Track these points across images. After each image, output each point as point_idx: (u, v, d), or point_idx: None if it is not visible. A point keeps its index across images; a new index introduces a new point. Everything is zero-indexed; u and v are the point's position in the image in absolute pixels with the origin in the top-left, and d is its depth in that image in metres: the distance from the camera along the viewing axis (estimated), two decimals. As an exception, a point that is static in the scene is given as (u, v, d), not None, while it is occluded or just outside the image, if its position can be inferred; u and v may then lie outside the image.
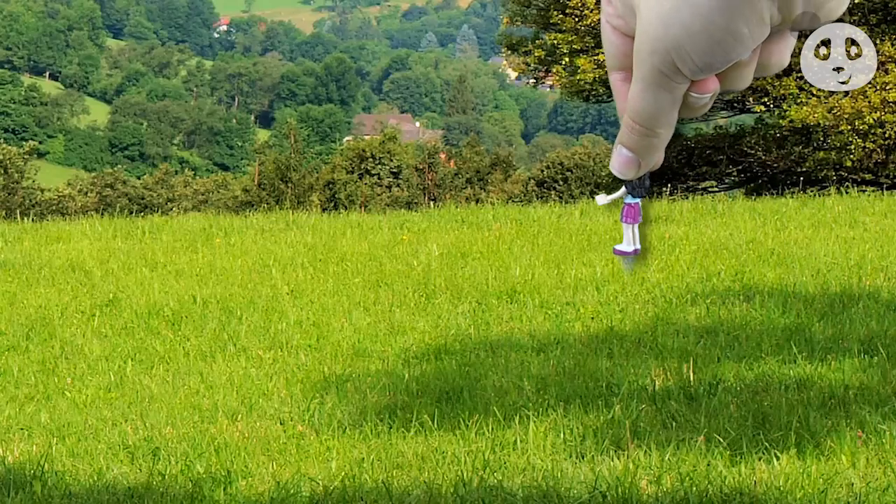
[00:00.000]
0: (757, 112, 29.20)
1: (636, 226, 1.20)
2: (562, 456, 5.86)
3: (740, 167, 30.27)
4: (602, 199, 1.21)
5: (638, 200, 1.19)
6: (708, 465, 5.41)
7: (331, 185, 53.36)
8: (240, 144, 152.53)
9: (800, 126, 26.84)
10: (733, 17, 1.03)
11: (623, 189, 1.19)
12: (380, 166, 55.67)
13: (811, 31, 1.11)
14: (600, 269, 11.41)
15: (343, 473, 5.67)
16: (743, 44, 1.04)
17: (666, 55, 1.05)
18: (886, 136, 26.10)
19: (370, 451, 6.11)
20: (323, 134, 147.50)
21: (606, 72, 1.15)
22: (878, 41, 26.10)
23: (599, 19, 1.11)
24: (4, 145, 56.91)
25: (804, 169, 27.52)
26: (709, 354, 7.96)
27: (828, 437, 5.83)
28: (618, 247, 1.21)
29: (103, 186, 61.01)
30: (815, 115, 25.95)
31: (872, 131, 26.00)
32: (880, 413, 6.27)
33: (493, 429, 6.35)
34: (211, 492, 5.55)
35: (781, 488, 5.07)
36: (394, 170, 56.60)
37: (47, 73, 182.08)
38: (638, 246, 1.21)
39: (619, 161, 1.15)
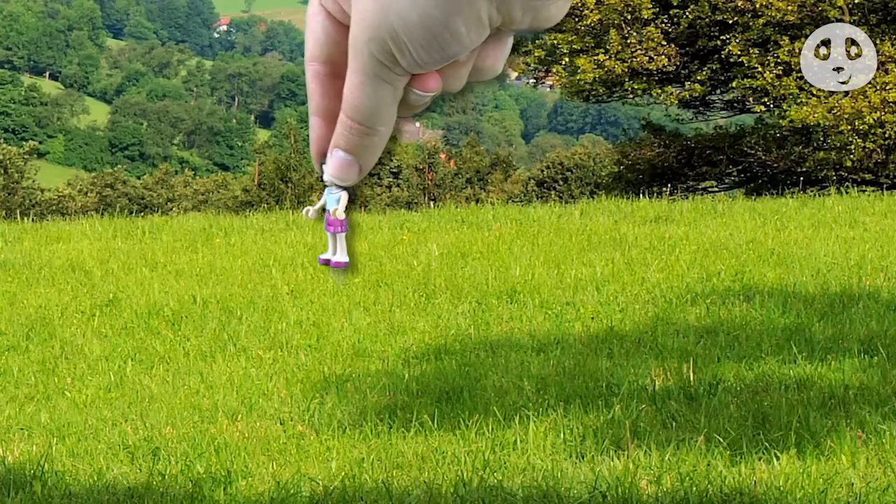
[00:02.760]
0: (757, 112, 29.20)
1: (344, 235, 1.12)
2: (562, 456, 5.86)
3: (740, 167, 30.27)
4: (308, 211, 1.13)
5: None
6: (708, 465, 5.41)
7: (331, 185, 53.25)
8: (240, 144, 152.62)
9: (800, 126, 26.84)
10: (451, 13, 0.98)
11: (325, 197, 1.11)
12: (380, 166, 55.64)
13: (537, 35, 1.08)
14: (600, 269, 11.41)
15: (343, 473, 5.67)
16: (460, 42, 1.00)
17: (384, 44, 1.00)
18: (886, 136, 26.10)
19: (370, 451, 6.11)
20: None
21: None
22: (878, 41, 26.09)
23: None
24: (4, 145, 56.95)
25: (804, 169, 27.52)
26: (709, 354, 7.96)
27: (828, 437, 5.83)
28: (323, 256, 1.13)
29: (103, 186, 61.05)
30: (815, 115, 25.94)
31: (872, 131, 25.99)
32: (880, 413, 6.27)
33: (493, 429, 6.35)
34: (211, 492, 5.55)
35: (781, 488, 5.07)
36: (394, 170, 56.62)
37: (47, 73, 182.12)
38: (345, 258, 1.12)
39: (337, 165, 1.08)
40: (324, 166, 1.11)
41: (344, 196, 1.11)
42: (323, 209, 1.12)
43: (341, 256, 1.13)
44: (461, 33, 0.99)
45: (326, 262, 1.13)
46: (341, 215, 1.11)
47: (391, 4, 0.99)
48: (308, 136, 1.13)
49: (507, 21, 1.01)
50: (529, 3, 1.01)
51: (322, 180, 1.11)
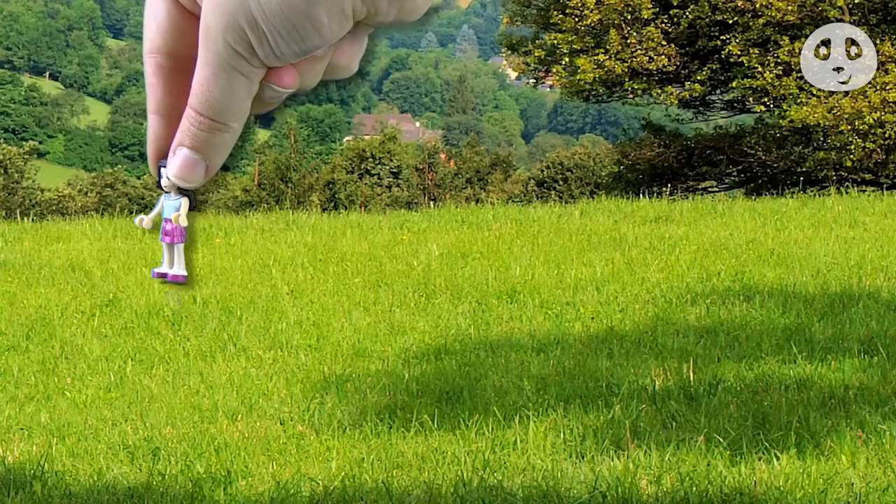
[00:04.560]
0: (757, 112, 29.20)
1: (181, 246, 1.03)
2: (562, 456, 5.86)
3: (740, 167, 30.27)
4: (143, 220, 1.03)
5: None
6: (708, 465, 5.41)
7: (331, 185, 53.37)
8: (239, 144, 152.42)
9: (800, 126, 26.84)
10: (313, 2, 0.94)
11: (161, 203, 1.01)
12: (380, 166, 55.67)
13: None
14: (600, 269, 11.41)
15: (343, 473, 5.67)
16: (321, 34, 0.96)
17: (240, 31, 0.95)
18: (886, 136, 26.09)
19: (370, 451, 6.11)
20: (323, 134, 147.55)
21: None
22: (878, 41, 26.09)
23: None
24: (4, 145, 56.93)
25: (804, 169, 27.51)
26: (709, 354, 7.96)
27: (828, 437, 5.83)
28: (158, 269, 1.04)
29: (103, 186, 61.04)
30: (815, 115, 25.94)
31: (872, 131, 25.99)
32: (880, 413, 6.27)
33: (493, 429, 6.35)
34: (211, 492, 5.55)
35: (781, 488, 5.07)
36: (394, 170, 56.61)
37: (47, 73, 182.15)
38: (184, 272, 1.02)
39: (182, 165, 1.02)
40: (162, 169, 1.02)
41: (185, 202, 1.03)
42: (159, 217, 1.02)
43: (178, 269, 1.04)
44: (323, 23, 0.95)
45: (162, 276, 1.03)
46: (184, 222, 1.04)
47: None
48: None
49: (373, 13, 0.97)
50: None
51: (159, 185, 1.04)
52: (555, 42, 29.26)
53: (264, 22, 0.95)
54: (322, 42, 0.97)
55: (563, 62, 29.32)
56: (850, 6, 26.96)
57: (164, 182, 1.01)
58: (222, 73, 0.97)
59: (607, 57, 28.20)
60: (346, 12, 0.96)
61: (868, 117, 25.66)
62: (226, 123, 1.01)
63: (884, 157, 26.72)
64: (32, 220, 18.30)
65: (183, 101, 1.00)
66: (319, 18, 0.95)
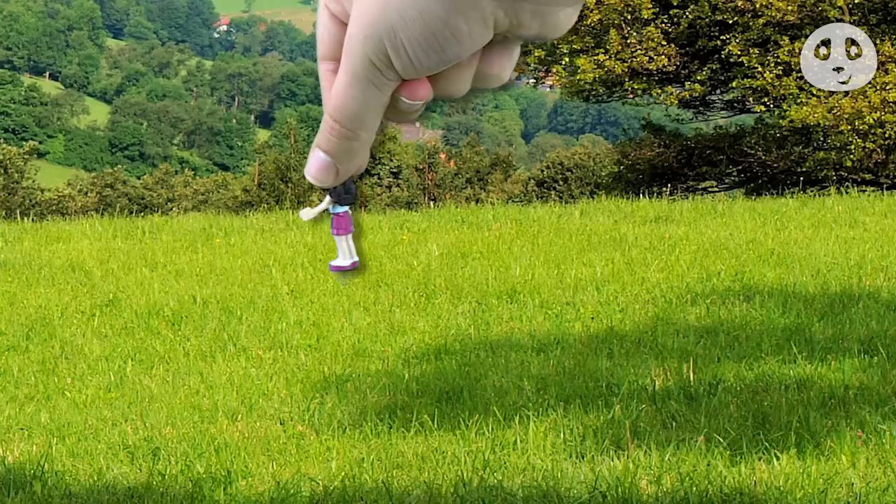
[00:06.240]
0: (757, 112, 29.20)
1: (349, 237, 1.09)
2: (562, 456, 5.86)
3: (740, 167, 30.28)
4: (306, 213, 1.10)
5: (347, 209, 1.08)
6: (708, 465, 5.41)
7: (331, 185, 53.28)
8: (240, 144, 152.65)
9: (800, 126, 26.84)
10: (453, 11, 0.94)
11: (328, 199, 1.07)
12: (380, 166, 55.70)
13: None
14: (600, 269, 11.41)
15: (343, 473, 5.67)
16: (461, 43, 0.96)
17: (379, 43, 0.96)
18: (886, 136, 26.10)
19: (370, 451, 6.11)
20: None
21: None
22: (878, 41, 26.09)
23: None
24: (4, 145, 56.97)
25: (804, 169, 27.52)
26: (709, 354, 7.96)
27: (828, 437, 5.83)
28: (334, 262, 1.10)
29: (103, 186, 61.06)
30: (815, 115, 25.94)
31: (872, 131, 25.99)
32: (880, 413, 6.27)
33: (493, 429, 6.35)
34: (211, 492, 5.55)
35: (781, 488, 5.07)
36: (394, 170, 56.63)
37: (47, 73, 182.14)
38: (356, 258, 1.10)
39: (315, 166, 1.05)
40: None
41: (327, 198, 1.08)
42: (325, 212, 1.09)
43: (344, 259, 1.11)
44: (462, 32, 0.96)
45: (339, 269, 1.11)
46: (306, 216, 1.09)
47: (390, 1, 0.96)
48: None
49: (515, 25, 0.98)
50: (538, 8, 0.97)
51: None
52: (555, 42, 29.25)
53: (403, 32, 0.96)
54: (461, 52, 0.97)
55: (563, 62, 29.33)
56: (850, 6, 26.96)
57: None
58: (356, 82, 0.99)
59: (607, 57, 28.20)
60: (487, 22, 0.96)
61: (868, 117, 25.66)
62: (355, 132, 1.03)
63: (884, 157, 26.72)
64: (32, 220, 18.30)
65: None
66: (459, 27, 0.96)
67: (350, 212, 1.09)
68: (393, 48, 0.97)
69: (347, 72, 0.99)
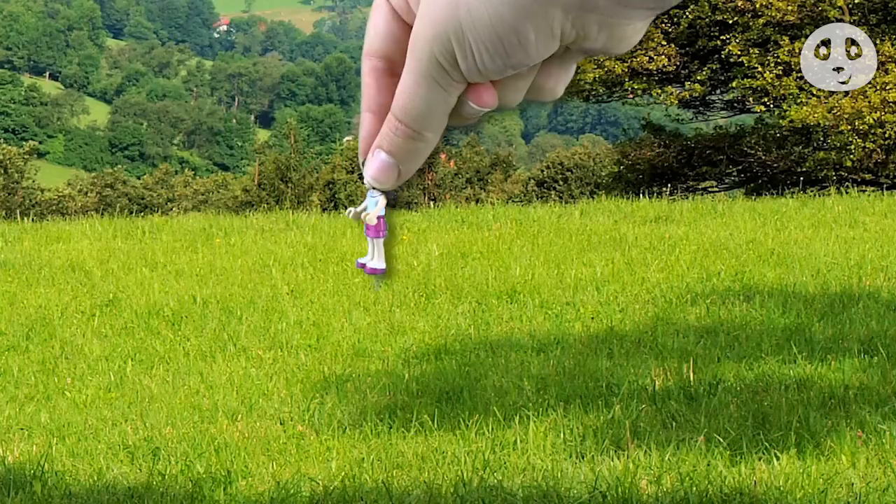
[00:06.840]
0: (757, 112, 29.21)
1: (382, 240, 1.09)
2: (562, 456, 5.86)
3: (740, 167, 30.28)
4: (350, 212, 1.10)
5: (383, 212, 1.08)
6: (708, 465, 5.41)
7: (331, 185, 53.38)
8: (240, 144, 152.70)
9: (800, 126, 26.85)
10: (522, 17, 0.94)
11: (368, 199, 1.07)
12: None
13: (608, 57, 1.04)
14: (600, 269, 11.41)
15: (343, 473, 5.67)
16: (527, 51, 0.96)
17: (447, 42, 0.96)
18: (886, 136, 26.10)
19: (370, 451, 6.11)
20: (323, 134, 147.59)
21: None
22: (878, 41, 26.10)
23: None
24: (4, 145, 56.97)
25: (804, 169, 27.52)
26: (709, 354, 7.96)
27: (828, 437, 5.83)
28: (371, 265, 1.09)
29: (103, 186, 61.07)
30: (815, 115, 25.95)
31: (872, 131, 26.00)
32: (880, 413, 6.27)
33: (493, 429, 6.35)
34: (211, 492, 5.55)
35: (781, 488, 5.07)
36: (394, 170, 56.49)
37: (47, 73, 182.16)
38: (382, 265, 1.09)
39: (378, 167, 1.04)
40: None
41: (381, 200, 1.07)
42: (364, 212, 1.08)
43: (377, 262, 1.09)
44: (529, 40, 0.95)
45: (363, 267, 1.10)
46: (372, 220, 1.08)
47: (461, 2, 0.95)
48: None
49: (581, 37, 0.97)
50: (607, 20, 0.96)
51: (363, 180, 1.09)
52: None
53: (471, 34, 0.96)
54: (526, 59, 0.97)
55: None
56: (850, 6, 26.97)
57: (365, 179, 1.05)
58: (423, 82, 0.99)
59: (607, 57, 28.18)
60: (554, 32, 0.96)
61: (868, 117, 25.67)
62: (421, 132, 1.02)
63: (884, 157, 26.73)
64: (32, 220, 18.30)
65: (392, 101, 1.04)
66: (527, 34, 0.95)
67: (384, 215, 1.08)
68: (460, 48, 0.97)
69: (413, 71, 0.99)
